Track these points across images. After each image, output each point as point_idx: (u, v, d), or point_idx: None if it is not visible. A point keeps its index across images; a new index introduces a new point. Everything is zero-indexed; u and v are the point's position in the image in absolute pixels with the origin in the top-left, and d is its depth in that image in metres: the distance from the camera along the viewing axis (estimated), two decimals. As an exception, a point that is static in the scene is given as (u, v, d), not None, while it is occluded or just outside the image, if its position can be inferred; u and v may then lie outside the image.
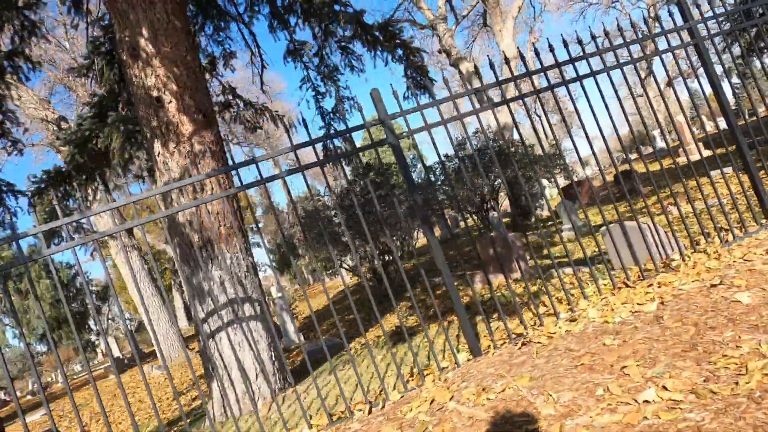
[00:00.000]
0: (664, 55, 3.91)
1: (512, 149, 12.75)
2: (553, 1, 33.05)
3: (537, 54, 3.52)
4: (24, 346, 2.57)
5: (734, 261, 3.09)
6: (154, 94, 4.03)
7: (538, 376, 2.34)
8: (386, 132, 3.09)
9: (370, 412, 2.80)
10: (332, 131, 6.93)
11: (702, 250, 3.56)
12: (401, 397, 2.87)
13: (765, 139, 12.76)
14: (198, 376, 7.90)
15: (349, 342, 6.11)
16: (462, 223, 17.48)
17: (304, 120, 3.10)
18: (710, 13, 4.01)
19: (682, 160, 15.66)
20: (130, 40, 4.02)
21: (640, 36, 3.68)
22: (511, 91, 15.62)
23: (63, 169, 5.81)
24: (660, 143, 22.11)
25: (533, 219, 14.37)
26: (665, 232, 4.28)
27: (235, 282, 3.86)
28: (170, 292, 25.85)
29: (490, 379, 2.52)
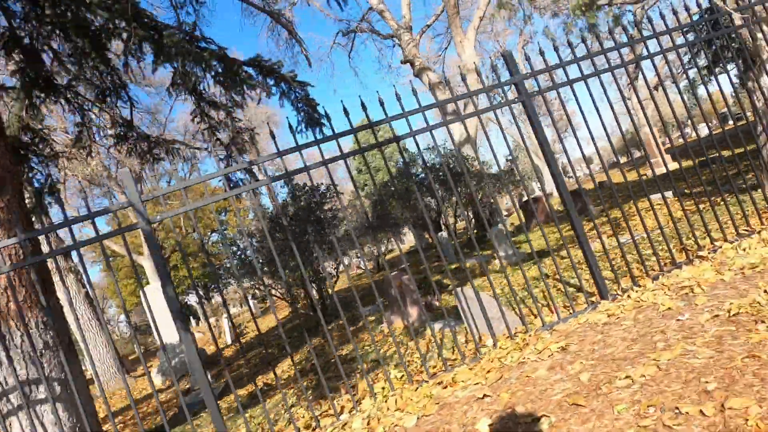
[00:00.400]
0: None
1: (465, 166, 12.34)
2: (541, 5, 32.45)
3: (527, 59, 3.72)
4: None
5: (522, 360, 2.70)
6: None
7: None
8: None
9: None
10: (233, 163, 6.60)
11: (522, 331, 3.18)
12: None
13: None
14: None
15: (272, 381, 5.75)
16: (427, 238, 17.08)
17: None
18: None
19: (652, 172, 15.19)
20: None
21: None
22: (473, 105, 15.17)
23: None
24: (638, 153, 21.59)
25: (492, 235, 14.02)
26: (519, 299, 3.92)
27: (28, 361, 3.55)
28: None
29: None
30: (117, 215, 17.47)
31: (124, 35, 4.51)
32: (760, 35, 5.13)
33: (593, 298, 3.51)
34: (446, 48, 20.81)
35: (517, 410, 2.10)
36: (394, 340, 2.86)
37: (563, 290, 3.88)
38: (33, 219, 4.75)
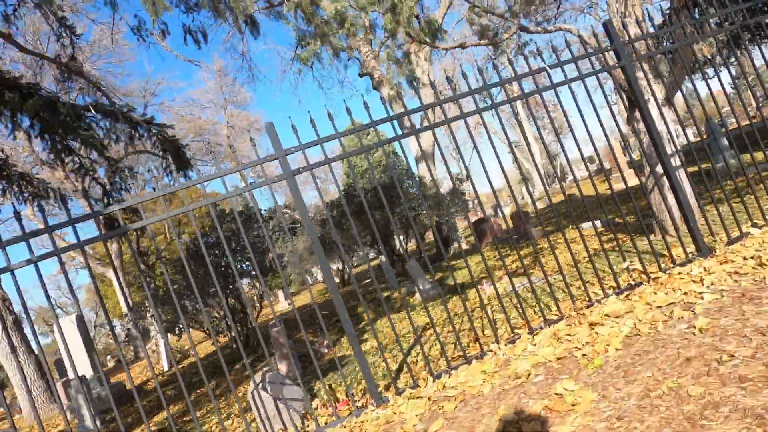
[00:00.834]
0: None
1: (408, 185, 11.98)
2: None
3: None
4: None
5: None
6: None
7: None
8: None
9: None
10: (112, 201, 6.31)
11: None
12: None
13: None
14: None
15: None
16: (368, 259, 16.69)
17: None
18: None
19: (617, 186, 14.60)
20: None
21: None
22: (431, 118, 14.78)
23: None
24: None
25: (450, 252, 13.60)
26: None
27: None
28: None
29: None
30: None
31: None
32: (641, 74, 4.72)
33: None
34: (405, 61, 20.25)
35: None
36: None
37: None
38: None
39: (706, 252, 3.58)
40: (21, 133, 4.72)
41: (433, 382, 3.00)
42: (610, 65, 3.72)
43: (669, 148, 4.80)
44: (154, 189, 4.17)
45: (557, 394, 2.23)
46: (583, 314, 3.18)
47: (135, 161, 21.29)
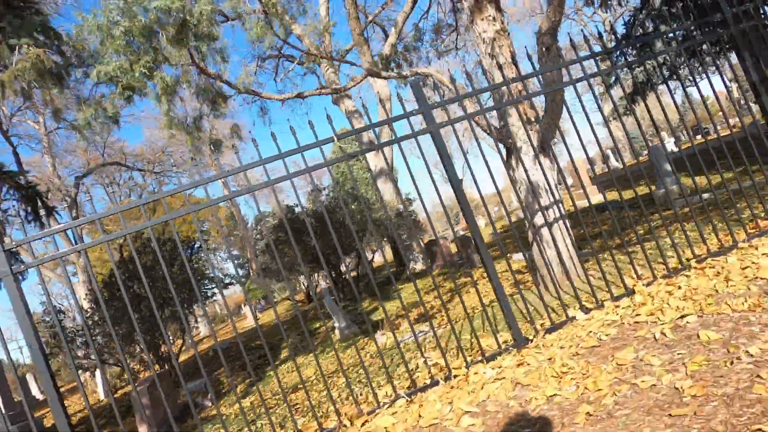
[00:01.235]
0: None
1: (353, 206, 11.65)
2: (515, 14, 32.87)
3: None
4: None
5: None
6: None
7: None
8: None
9: None
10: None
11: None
12: None
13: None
14: None
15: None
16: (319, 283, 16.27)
17: None
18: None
19: (582, 203, 14.40)
20: None
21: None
22: (386, 135, 14.51)
23: None
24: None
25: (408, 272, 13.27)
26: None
27: None
28: None
29: None
30: None
31: None
32: (513, 120, 4.42)
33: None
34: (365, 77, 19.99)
35: None
36: None
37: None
38: None
39: (521, 342, 3.15)
40: None
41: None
42: (422, 129, 3.29)
43: (547, 198, 4.49)
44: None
45: None
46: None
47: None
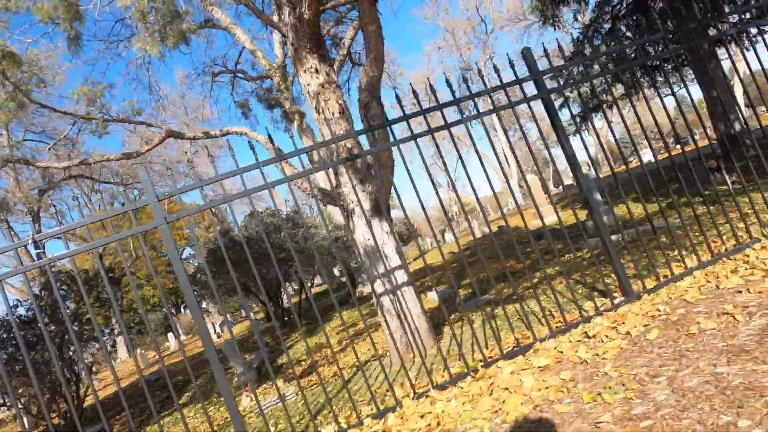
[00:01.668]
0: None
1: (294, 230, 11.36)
2: (500, 19, 33.03)
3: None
4: None
5: None
6: None
7: None
8: None
9: None
10: None
11: None
12: None
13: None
14: None
15: None
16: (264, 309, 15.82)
17: None
18: None
19: (535, 223, 14.14)
20: None
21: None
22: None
23: None
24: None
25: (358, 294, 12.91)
26: None
27: None
28: None
29: None
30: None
31: None
32: (345, 180, 4.10)
33: None
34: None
35: None
36: None
37: None
38: None
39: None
40: None
41: None
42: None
43: (384, 264, 4.17)
44: None
45: None
46: None
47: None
